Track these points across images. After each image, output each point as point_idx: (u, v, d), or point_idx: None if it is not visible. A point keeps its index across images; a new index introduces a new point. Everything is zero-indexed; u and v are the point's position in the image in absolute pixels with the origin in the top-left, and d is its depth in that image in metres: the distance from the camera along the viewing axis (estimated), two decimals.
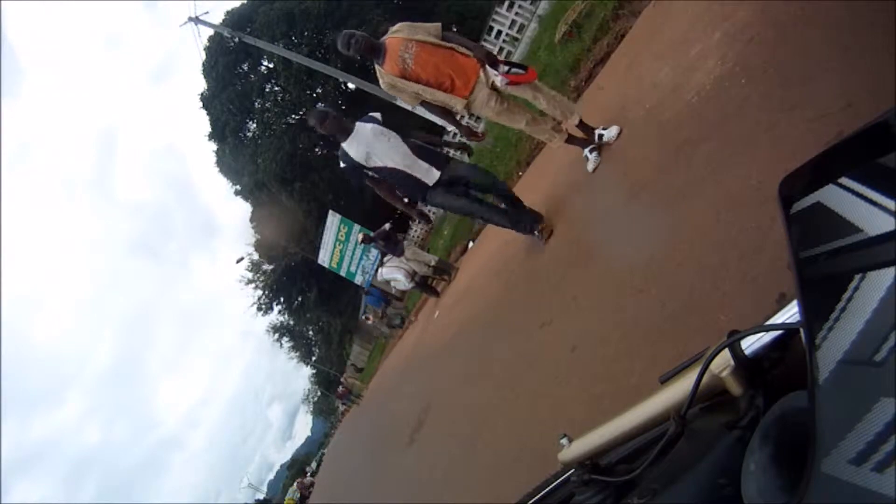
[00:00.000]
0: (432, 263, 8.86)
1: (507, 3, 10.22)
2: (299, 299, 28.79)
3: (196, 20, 11.97)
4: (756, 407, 0.49)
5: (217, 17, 19.60)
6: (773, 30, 2.22)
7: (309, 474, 28.42)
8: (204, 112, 22.27)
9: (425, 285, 9.38)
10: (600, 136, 3.40)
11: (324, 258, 14.91)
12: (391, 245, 8.59)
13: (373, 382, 17.22)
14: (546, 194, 4.38)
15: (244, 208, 29.86)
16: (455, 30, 19.53)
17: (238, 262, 22.90)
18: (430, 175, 3.47)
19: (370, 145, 3.45)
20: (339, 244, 14.24)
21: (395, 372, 11.67)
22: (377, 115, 3.66)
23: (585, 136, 3.45)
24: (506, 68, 3.08)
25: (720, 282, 1.67)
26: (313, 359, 36.13)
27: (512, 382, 3.18)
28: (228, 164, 23.44)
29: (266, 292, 28.45)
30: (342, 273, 15.00)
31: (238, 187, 24.87)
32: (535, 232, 3.68)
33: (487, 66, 3.11)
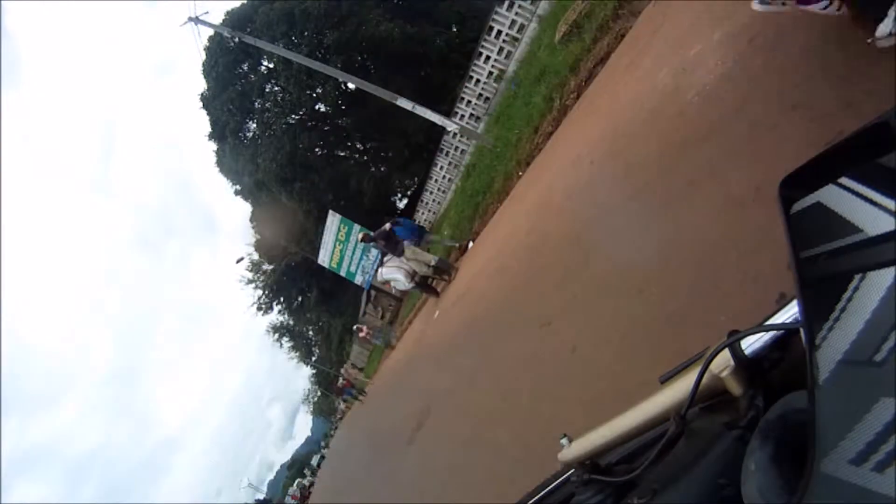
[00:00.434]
0: (432, 263, 8.86)
1: (507, 3, 10.23)
2: (299, 299, 28.80)
3: (196, 20, 11.95)
4: (756, 407, 0.49)
5: (217, 17, 19.59)
6: (773, 30, 2.22)
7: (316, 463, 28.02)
8: (204, 112, 22.29)
9: (425, 285, 9.37)
10: None
11: (324, 258, 14.91)
12: (391, 245, 8.59)
13: (373, 381, 17.12)
14: (546, 194, 4.37)
15: (244, 208, 29.88)
16: (455, 30, 19.54)
17: (238, 262, 22.92)
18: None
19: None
20: (339, 244, 14.26)
21: (396, 372, 11.67)
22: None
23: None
24: None
25: (720, 282, 1.67)
26: (313, 359, 36.13)
27: (512, 382, 3.18)
28: (228, 164, 23.41)
29: (266, 292, 28.46)
30: (342, 273, 15.01)
31: (238, 187, 24.86)
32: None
33: None
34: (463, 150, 13.25)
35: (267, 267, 27.87)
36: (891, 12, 1.39)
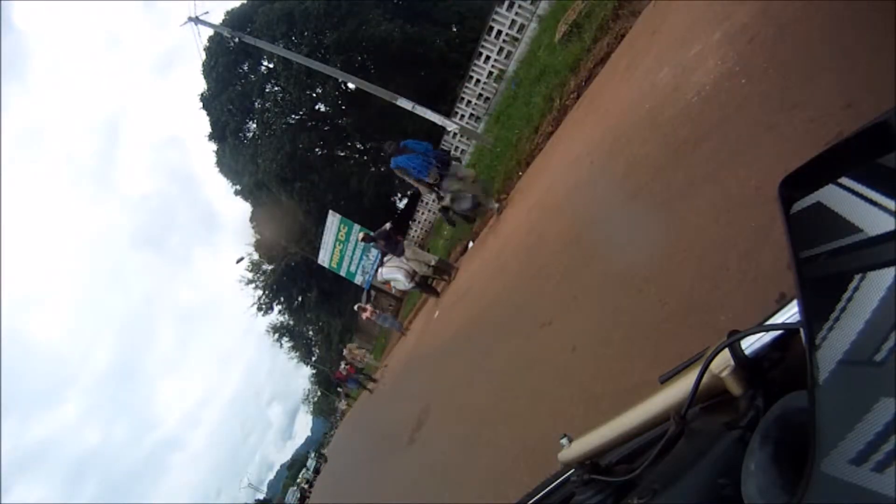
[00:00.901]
0: (432, 263, 8.85)
1: (507, 3, 10.23)
2: (299, 299, 28.80)
3: (196, 20, 11.95)
4: (756, 407, 0.49)
5: (217, 17, 19.61)
6: (773, 30, 2.22)
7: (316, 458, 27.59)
8: (204, 112, 22.29)
9: (425, 285, 9.37)
10: None
11: (324, 258, 14.91)
12: (391, 245, 8.59)
13: (384, 363, 16.31)
14: (546, 194, 4.37)
15: (244, 208, 29.88)
16: (455, 30, 19.55)
17: (238, 262, 22.91)
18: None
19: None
20: (339, 244, 14.26)
21: (396, 372, 11.67)
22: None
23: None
24: None
25: (720, 282, 1.67)
26: (313, 359, 36.13)
27: (512, 382, 3.18)
28: (228, 164, 23.44)
29: (266, 292, 28.47)
30: (342, 273, 15.00)
31: (238, 187, 24.88)
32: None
33: None
34: (463, 150, 13.26)
35: (267, 267, 27.88)
36: None
